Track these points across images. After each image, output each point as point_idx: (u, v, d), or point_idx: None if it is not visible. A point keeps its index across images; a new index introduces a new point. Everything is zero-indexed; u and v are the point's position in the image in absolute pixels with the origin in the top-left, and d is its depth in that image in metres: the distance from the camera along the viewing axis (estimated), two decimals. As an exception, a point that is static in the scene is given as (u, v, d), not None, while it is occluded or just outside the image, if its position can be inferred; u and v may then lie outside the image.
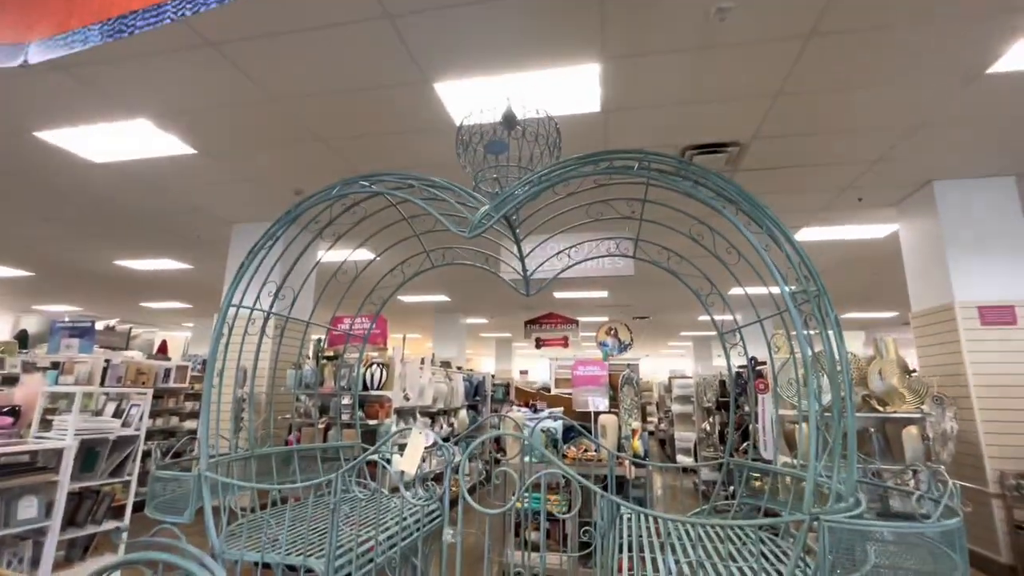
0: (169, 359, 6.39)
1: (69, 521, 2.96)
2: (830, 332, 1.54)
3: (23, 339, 7.62)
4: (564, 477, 3.59)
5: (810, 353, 1.42)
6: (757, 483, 3.37)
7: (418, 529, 2.14)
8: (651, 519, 2.29)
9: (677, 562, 1.61)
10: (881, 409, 3.42)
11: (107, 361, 4.79)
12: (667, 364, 21.63)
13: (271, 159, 4.38)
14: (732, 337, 2.61)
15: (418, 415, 5.42)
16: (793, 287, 1.59)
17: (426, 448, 1.71)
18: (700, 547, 1.53)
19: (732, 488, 2.59)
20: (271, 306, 2.41)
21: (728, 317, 2.67)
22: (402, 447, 4.20)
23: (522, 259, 2.50)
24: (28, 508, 2.64)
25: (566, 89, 3.32)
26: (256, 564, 1.79)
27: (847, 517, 1.29)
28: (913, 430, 3.34)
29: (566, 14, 2.70)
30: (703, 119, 3.68)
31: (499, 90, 3.31)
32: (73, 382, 4.45)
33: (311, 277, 5.57)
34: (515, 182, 1.87)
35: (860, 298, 9.93)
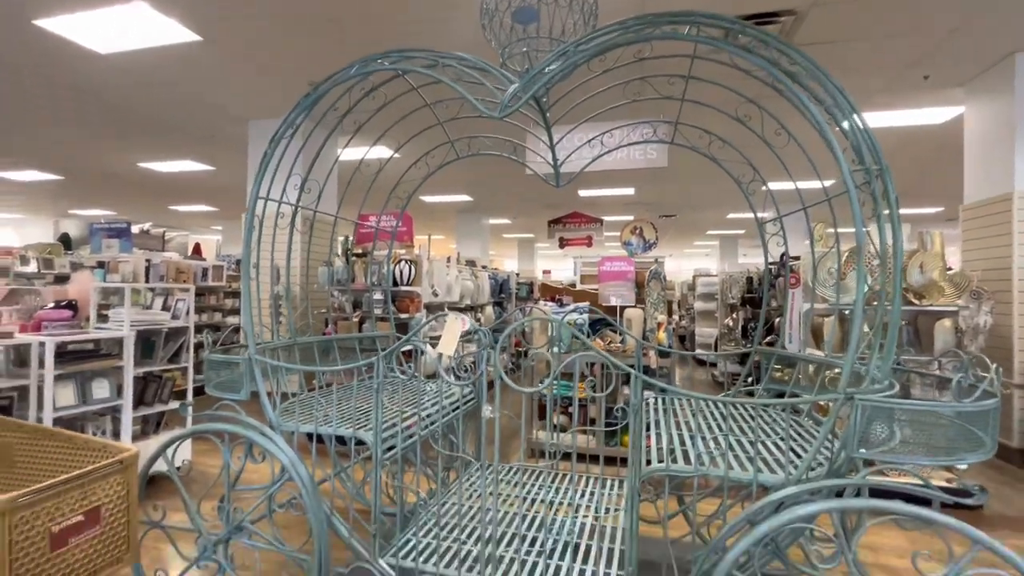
0: (204, 259, 6.61)
1: (139, 401, 3.27)
2: (887, 214, 1.45)
3: (66, 241, 7.94)
4: (589, 364, 3.74)
5: (865, 235, 1.34)
6: (778, 374, 3.46)
7: (455, 409, 2.30)
8: (676, 402, 2.39)
9: (703, 438, 1.69)
10: (917, 302, 3.36)
11: (148, 261, 4.99)
12: (690, 264, 21.51)
13: (281, 45, 4.10)
14: (769, 228, 2.51)
15: (447, 310, 5.60)
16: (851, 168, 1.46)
17: (462, 335, 1.77)
18: (727, 425, 1.59)
19: (751, 379, 2.66)
20: (298, 199, 2.39)
21: (767, 215, 2.54)
22: (434, 340, 4.39)
23: (552, 147, 2.37)
24: (101, 389, 2.91)
25: (601, -53, 2.91)
26: (310, 436, 1.96)
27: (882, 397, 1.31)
28: (947, 323, 3.30)
29: None
30: (757, -18, 3.23)
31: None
32: (120, 280, 4.68)
33: (334, 173, 5.48)
34: (546, 58, 1.70)
35: (905, 192, 9.40)
